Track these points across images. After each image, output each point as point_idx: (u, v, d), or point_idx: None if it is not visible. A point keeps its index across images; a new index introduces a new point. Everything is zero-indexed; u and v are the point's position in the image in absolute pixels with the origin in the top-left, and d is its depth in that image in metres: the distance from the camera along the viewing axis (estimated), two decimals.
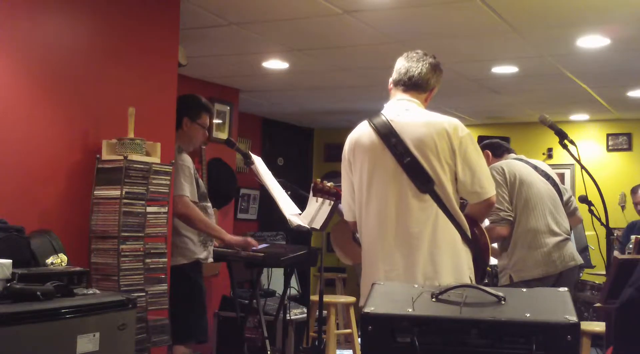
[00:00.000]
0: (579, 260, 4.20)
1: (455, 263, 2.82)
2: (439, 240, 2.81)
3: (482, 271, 3.00)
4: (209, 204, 4.27)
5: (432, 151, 2.82)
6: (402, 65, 3.02)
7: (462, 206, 3.00)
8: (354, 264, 6.35)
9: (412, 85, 2.99)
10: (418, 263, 2.79)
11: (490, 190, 2.90)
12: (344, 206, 3.11)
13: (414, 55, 3.03)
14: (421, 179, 2.81)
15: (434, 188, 2.81)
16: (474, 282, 2.85)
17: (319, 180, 3.51)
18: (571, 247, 4.18)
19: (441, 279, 2.75)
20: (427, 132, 2.84)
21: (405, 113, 2.92)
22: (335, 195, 3.49)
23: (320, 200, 4.33)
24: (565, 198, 4.32)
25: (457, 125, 2.88)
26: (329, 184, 3.54)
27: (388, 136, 2.86)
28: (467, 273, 2.86)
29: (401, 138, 2.84)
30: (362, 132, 2.98)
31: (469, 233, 2.90)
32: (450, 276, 2.78)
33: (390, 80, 3.06)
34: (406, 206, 2.83)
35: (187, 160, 4.03)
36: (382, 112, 2.99)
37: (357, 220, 3.01)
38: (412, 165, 2.81)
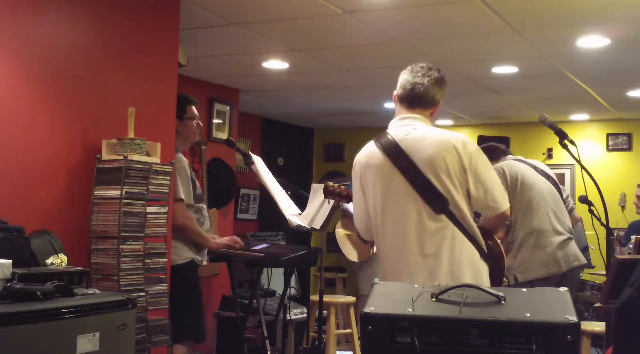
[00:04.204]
0: (583, 259, 4.21)
1: (476, 279, 2.83)
2: (457, 258, 2.82)
3: (499, 281, 3.03)
4: (204, 206, 4.30)
5: (443, 170, 2.80)
6: (407, 80, 2.97)
7: (476, 216, 3.02)
8: (356, 262, 6.37)
9: (417, 102, 2.95)
10: (439, 281, 2.78)
11: (504, 203, 2.91)
12: (359, 225, 3.09)
13: (419, 69, 2.98)
14: (435, 200, 2.81)
15: (449, 208, 2.81)
16: None
17: (330, 183, 3.55)
18: (574, 247, 4.19)
19: None
20: (437, 152, 2.82)
21: (413, 132, 2.89)
22: (346, 197, 3.54)
23: (320, 200, 4.34)
24: (563, 197, 4.33)
25: (466, 141, 2.87)
26: (340, 187, 3.57)
27: (398, 158, 2.85)
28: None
29: (411, 160, 2.83)
30: (371, 154, 2.95)
31: (485, 248, 2.91)
32: None
33: (395, 93, 3.03)
34: (423, 227, 2.83)
35: (183, 161, 4.06)
36: (388, 131, 2.95)
37: (375, 240, 3.02)
38: (425, 186, 2.81)
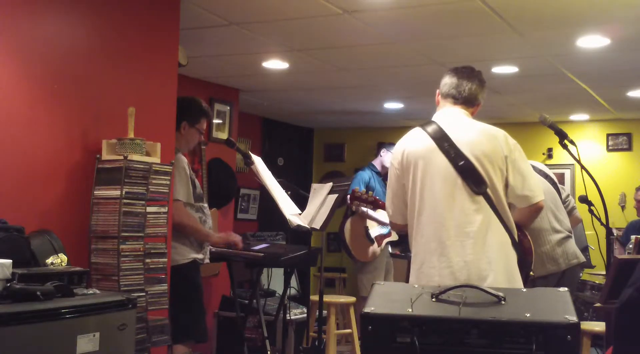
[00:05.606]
0: (582, 258, 4.22)
1: (506, 264, 2.91)
2: (490, 240, 2.89)
3: (526, 275, 3.08)
4: (206, 204, 4.29)
5: (485, 154, 2.93)
6: (452, 80, 3.14)
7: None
8: (359, 262, 6.38)
9: (462, 99, 3.12)
10: (472, 261, 2.86)
11: (539, 194, 3.00)
12: (391, 210, 3.16)
13: (464, 71, 3.15)
14: (475, 181, 2.91)
15: (487, 191, 2.91)
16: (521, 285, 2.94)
17: (357, 188, 3.63)
18: (573, 245, 4.20)
19: (496, 276, 2.83)
20: (480, 138, 2.97)
21: (457, 121, 3.05)
22: (373, 203, 3.58)
23: (320, 200, 4.34)
24: (562, 196, 4.33)
25: (507, 134, 3.03)
26: (368, 193, 3.65)
27: (441, 140, 2.98)
28: (517, 275, 2.95)
29: (454, 143, 2.96)
30: (415, 138, 3.08)
31: (516, 238, 2.99)
32: (502, 275, 2.86)
33: (438, 91, 3.18)
34: (461, 207, 2.91)
35: (183, 161, 4.06)
36: (433, 119, 3.10)
37: (409, 221, 3.07)
38: (466, 167, 2.92)
